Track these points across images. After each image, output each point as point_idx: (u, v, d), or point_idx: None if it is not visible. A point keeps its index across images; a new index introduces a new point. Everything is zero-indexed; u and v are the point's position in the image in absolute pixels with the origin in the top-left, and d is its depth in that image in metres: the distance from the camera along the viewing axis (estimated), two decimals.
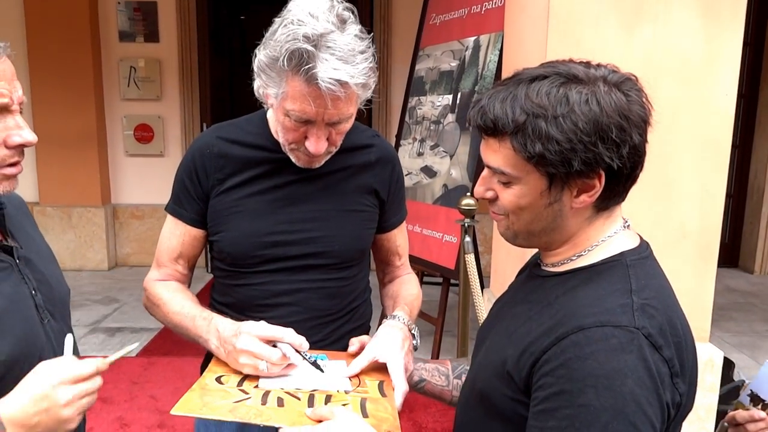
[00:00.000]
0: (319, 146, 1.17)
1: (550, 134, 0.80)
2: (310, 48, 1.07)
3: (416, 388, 1.20)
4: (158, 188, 5.20)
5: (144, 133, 5.30)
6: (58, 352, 1.01)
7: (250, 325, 1.12)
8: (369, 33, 1.17)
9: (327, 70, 1.07)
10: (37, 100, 5.03)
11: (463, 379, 1.20)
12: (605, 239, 0.90)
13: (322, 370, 1.10)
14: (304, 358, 1.10)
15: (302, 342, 1.10)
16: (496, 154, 0.86)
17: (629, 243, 0.91)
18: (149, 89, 5.24)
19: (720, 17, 2.04)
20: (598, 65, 0.86)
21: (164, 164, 5.25)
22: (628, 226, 0.93)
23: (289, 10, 1.13)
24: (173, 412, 0.97)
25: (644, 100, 0.85)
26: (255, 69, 1.16)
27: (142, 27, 5.18)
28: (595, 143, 0.80)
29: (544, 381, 0.80)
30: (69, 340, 0.98)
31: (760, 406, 1.33)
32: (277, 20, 1.14)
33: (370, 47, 1.15)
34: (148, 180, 5.32)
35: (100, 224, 5.25)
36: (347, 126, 1.20)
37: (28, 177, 5.20)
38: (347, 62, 1.08)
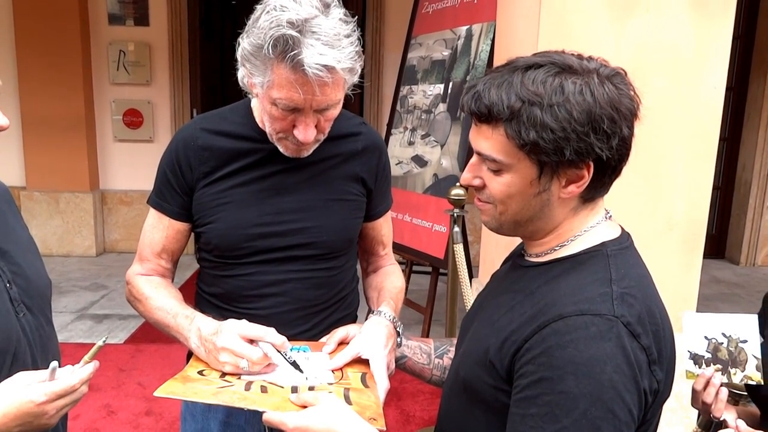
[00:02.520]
0: (308, 134, 1.15)
1: (545, 122, 0.80)
2: (294, 33, 1.05)
3: (397, 364, 1.21)
4: (147, 174, 5.11)
5: (133, 119, 5.26)
6: (35, 346, 1.00)
7: (231, 323, 1.11)
8: (353, 16, 1.14)
9: (313, 55, 1.05)
10: (24, 84, 4.97)
11: (445, 359, 1.21)
12: (588, 229, 0.91)
13: (301, 371, 1.09)
14: (285, 359, 1.09)
15: (283, 342, 1.09)
16: (489, 141, 0.86)
17: (610, 233, 0.92)
18: (139, 74, 5.18)
19: (710, 11, 2.05)
20: (590, 58, 0.87)
21: (153, 150, 5.20)
22: (610, 216, 0.94)
23: None
24: (156, 393, 0.97)
25: (632, 93, 0.86)
26: (239, 58, 1.14)
27: (132, 10, 5.12)
28: (587, 133, 0.81)
29: (525, 369, 0.81)
30: (54, 365, 0.93)
31: (704, 365, 1.32)
32: (258, 7, 1.12)
33: (355, 31, 1.12)
34: (137, 166, 5.28)
35: (88, 210, 5.21)
36: (335, 112, 1.18)
37: (15, 161, 5.16)
38: (333, 47, 1.06)
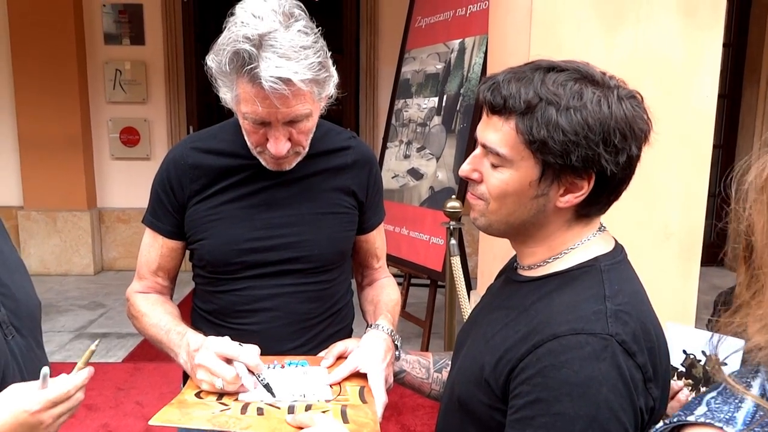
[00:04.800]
0: (279, 147, 1.15)
1: (558, 123, 0.80)
2: (250, 48, 1.05)
3: (396, 378, 1.21)
4: (144, 192, 5.05)
5: (130, 136, 5.27)
6: (25, 369, 0.98)
7: (212, 341, 1.10)
8: (318, 27, 1.14)
9: (268, 68, 1.04)
10: (21, 104, 4.98)
11: (444, 373, 1.20)
12: (581, 243, 0.90)
13: (273, 395, 1.06)
14: (258, 380, 1.07)
15: (258, 364, 1.07)
16: (497, 133, 0.85)
17: (604, 247, 0.91)
18: (135, 92, 5.20)
19: (700, 19, 2.06)
20: (612, 77, 0.87)
21: (150, 167, 5.19)
22: (604, 229, 0.94)
23: (235, 12, 1.11)
24: (152, 422, 0.96)
25: (647, 116, 0.86)
26: (210, 76, 1.15)
27: (128, 29, 5.14)
28: (597, 143, 0.81)
29: (520, 389, 0.81)
30: (45, 371, 0.92)
31: (675, 377, 1.29)
32: (226, 23, 1.13)
33: (317, 41, 1.11)
34: (134, 183, 5.28)
35: (86, 228, 5.21)
36: (308, 125, 1.17)
37: (13, 181, 5.15)
38: (290, 59, 1.05)
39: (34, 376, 1.01)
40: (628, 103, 0.84)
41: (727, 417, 0.59)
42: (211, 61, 1.12)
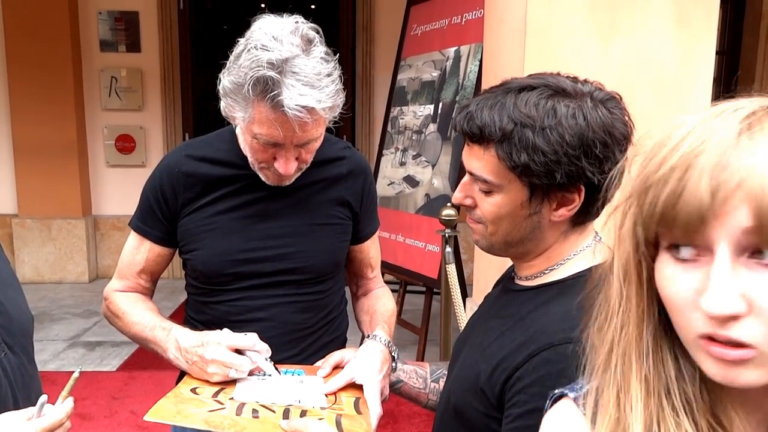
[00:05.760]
0: (288, 167, 1.16)
1: (536, 145, 0.80)
2: (274, 75, 1.05)
3: (393, 388, 1.20)
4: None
5: (125, 144, 5.26)
6: (17, 387, 0.98)
7: (215, 335, 1.13)
8: (335, 54, 1.16)
9: (293, 96, 1.06)
10: (16, 111, 4.97)
11: (441, 383, 1.20)
12: (577, 253, 0.90)
13: (279, 373, 1.14)
14: (274, 368, 1.14)
15: (267, 348, 1.14)
16: (480, 161, 0.86)
17: (600, 257, 0.91)
18: (131, 99, 5.20)
19: (693, 27, 2.08)
20: (585, 81, 0.87)
21: (146, 175, 5.06)
22: (600, 239, 0.94)
23: (252, 33, 1.12)
24: (146, 418, 0.97)
25: (627, 118, 0.85)
26: (220, 92, 1.15)
27: (124, 37, 5.15)
28: (579, 157, 0.81)
29: (517, 398, 0.81)
30: (43, 399, 0.92)
31: None
32: (241, 42, 1.13)
33: (336, 68, 1.14)
34: (129, 191, 5.26)
35: (81, 236, 5.18)
36: (316, 145, 1.19)
37: (7, 188, 5.14)
38: (314, 87, 1.07)
39: (26, 393, 1.01)
40: (603, 108, 0.83)
41: (576, 386, 0.64)
42: (226, 81, 1.12)
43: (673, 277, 0.49)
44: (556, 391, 0.66)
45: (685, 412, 0.51)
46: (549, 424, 0.65)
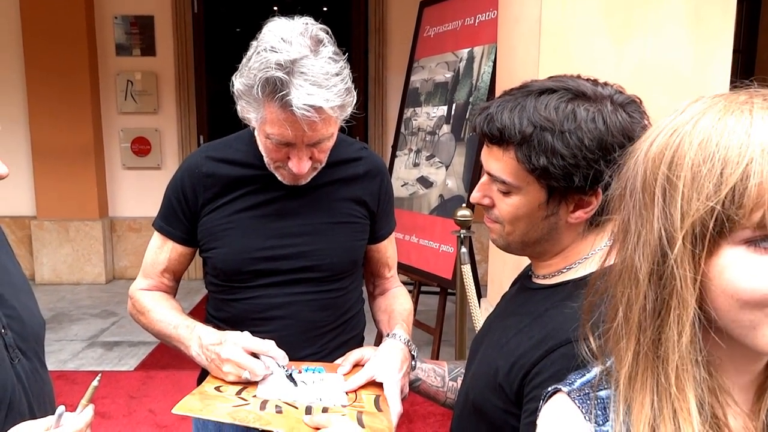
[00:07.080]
0: (301, 166, 1.18)
1: (555, 148, 0.81)
2: (283, 75, 1.07)
3: (411, 387, 1.21)
4: (155, 201, 5.06)
5: (141, 146, 5.32)
6: (30, 392, 0.98)
7: (235, 335, 1.15)
8: (344, 53, 1.17)
9: (301, 96, 1.07)
10: (34, 115, 5.04)
11: (459, 381, 1.21)
12: (594, 252, 0.91)
13: (296, 384, 1.13)
14: (285, 373, 1.14)
15: (284, 355, 1.14)
16: (499, 163, 0.87)
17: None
18: (146, 102, 5.26)
19: (709, 29, 2.07)
20: (605, 84, 0.87)
21: (161, 177, 5.25)
22: None
23: (263, 36, 1.14)
24: (174, 410, 1.00)
25: (646, 122, 0.86)
26: (234, 95, 1.18)
27: (139, 41, 5.21)
28: (597, 161, 0.81)
29: (535, 393, 0.82)
30: (61, 409, 0.91)
31: None
32: (252, 44, 1.15)
33: (345, 68, 1.15)
34: (145, 193, 5.33)
35: (98, 237, 5.25)
36: (329, 144, 1.21)
37: (26, 191, 5.21)
38: (321, 86, 1.09)
39: (39, 399, 1.01)
40: (623, 112, 0.83)
41: (569, 381, 0.66)
42: (238, 83, 1.15)
43: (757, 269, 0.51)
44: (550, 387, 0.67)
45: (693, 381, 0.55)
46: (546, 419, 0.66)
